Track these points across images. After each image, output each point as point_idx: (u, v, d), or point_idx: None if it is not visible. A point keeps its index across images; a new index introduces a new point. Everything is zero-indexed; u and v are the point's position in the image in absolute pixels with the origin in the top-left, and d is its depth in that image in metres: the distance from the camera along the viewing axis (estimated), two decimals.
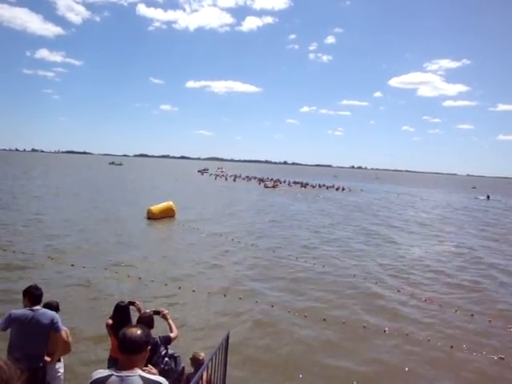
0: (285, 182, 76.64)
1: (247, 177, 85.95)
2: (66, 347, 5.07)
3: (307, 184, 71.99)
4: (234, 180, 78.09)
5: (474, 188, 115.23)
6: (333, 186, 70.13)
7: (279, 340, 9.04)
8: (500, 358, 8.64)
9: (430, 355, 8.66)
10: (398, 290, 13.00)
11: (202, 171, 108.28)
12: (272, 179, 79.36)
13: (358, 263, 16.45)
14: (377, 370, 7.98)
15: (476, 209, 48.73)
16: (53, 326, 4.69)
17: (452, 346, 9.06)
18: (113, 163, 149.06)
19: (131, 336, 2.70)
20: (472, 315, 11.16)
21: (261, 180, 75.76)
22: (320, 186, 70.03)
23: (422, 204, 51.44)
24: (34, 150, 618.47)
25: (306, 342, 8.99)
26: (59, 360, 5.09)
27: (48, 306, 5.04)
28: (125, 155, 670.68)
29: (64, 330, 4.89)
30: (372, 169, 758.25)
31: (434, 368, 8.16)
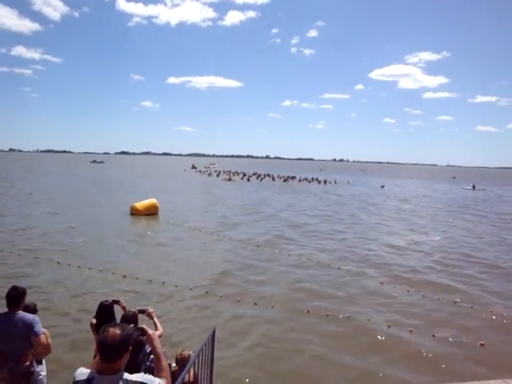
0: (269, 176, 77.45)
1: (236, 172, 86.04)
2: (45, 349, 4.98)
3: (290, 177, 73.80)
4: (218, 175, 78.50)
5: (454, 178, 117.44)
6: (317, 179, 71.34)
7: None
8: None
9: None
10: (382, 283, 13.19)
11: (192, 168, 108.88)
12: (254, 174, 80.00)
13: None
14: None
15: (469, 198, 49.64)
16: (32, 330, 4.58)
17: None
18: (94, 161, 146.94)
19: (111, 344, 2.54)
20: None
21: (244, 175, 76.35)
22: (308, 180, 70.94)
23: (417, 195, 52.01)
24: (11, 150, 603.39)
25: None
26: (41, 363, 4.97)
27: (25, 308, 4.90)
28: (106, 153, 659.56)
29: (43, 333, 4.75)
30: (354, 161, 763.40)
31: None
